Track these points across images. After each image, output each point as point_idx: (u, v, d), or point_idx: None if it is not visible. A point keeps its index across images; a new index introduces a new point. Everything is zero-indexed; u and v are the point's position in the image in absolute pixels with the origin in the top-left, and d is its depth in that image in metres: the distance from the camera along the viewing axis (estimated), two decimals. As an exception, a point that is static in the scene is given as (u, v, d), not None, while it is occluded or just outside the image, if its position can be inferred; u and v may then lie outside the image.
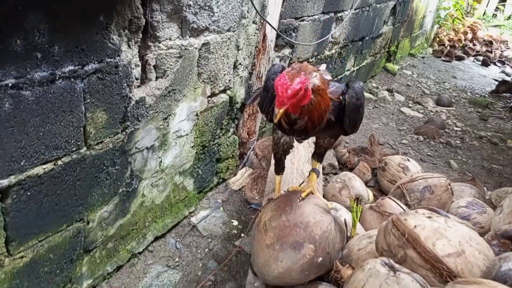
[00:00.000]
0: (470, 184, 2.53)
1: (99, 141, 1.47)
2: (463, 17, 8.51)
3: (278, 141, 1.60)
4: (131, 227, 1.82)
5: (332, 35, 3.21)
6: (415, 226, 1.14)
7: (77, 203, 1.46)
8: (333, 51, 3.44)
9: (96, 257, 1.66)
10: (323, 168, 2.87)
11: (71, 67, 1.25)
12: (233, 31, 2.04)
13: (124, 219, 1.75)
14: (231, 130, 2.42)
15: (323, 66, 1.72)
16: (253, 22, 2.19)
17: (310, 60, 3.07)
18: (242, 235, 2.15)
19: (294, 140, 1.61)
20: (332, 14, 3.11)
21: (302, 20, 2.70)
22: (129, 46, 1.47)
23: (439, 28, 8.15)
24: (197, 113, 2.00)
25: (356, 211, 1.60)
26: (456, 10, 8.09)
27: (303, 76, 1.19)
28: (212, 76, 2.01)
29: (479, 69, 7.06)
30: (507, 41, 9.09)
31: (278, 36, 2.48)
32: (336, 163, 2.95)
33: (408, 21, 5.72)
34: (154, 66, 1.64)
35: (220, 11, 1.88)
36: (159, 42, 1.62)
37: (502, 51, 8.40)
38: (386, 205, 1.79)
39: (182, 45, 1.73)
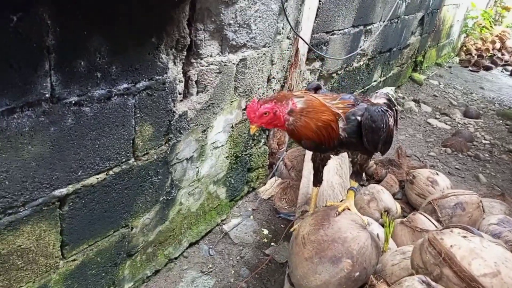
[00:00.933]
0: (500, 199, 2.53)
1: (145, 153, 1.56)
2: (491, 26, 8.38)
3: (314, 157, 1.66)
4: (168, 233, 1.91)
5: (361, 47, 3.25)
6: (451, 246, 1.18)
7: (123, 210, 1.55)
8: (361, 62, 3.48)
9: (137, 261, 1.76)
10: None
11: (125, 85, 1.34)
12: (268, 47, 2.12)
13: (163, 225, 1.84)
14: (262, 140, 2.49)
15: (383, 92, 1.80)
16: (287, 38, 2.26)
17: (339, 73, 3.12)
18: (272, 244, 2.21)
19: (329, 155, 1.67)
20: (362, 27, 3.15)
21: (333, 34, 2.76)
22: (174, 63, 1.56)
23: (466, 37, 8.05)
24: (232, 125, 2.08)
25: (389, 226, 1.64)
26: (484, 19, 7.97)
27: (271, 104, 1.39)
28: (248, 89, 2.09)
29: (507, 79, 6.94)
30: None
31: (309, 50, 2.54)
32: (364, 175, 2.98)
33: (435, 31, 5.69)
34: (196, 82, 1.72)
35: (257, 28, 1.96)
36: (201, 59, 1.70)
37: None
38: (418, 220, 1.82)
39: (222, 61, 1.82)
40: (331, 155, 1.67)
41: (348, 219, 1.34)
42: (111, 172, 1.43)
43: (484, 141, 4.02)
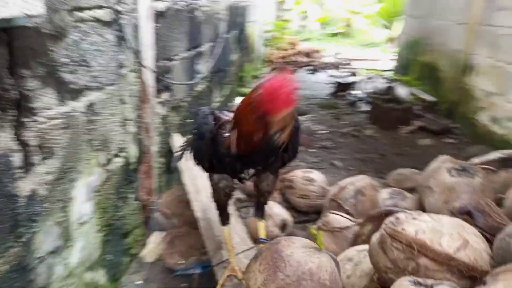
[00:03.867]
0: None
1: (-11, 269, 1.03)
2: (284, 36, 9.54)
3: (217, 186, 1.43)
4: None
5: (199, 70, 3.13)
6: (416, 233, 1.11)
7: None
8: (203, 85, 3.36)
9: None
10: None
11: None
12: (115, 84, 1.76)
13: None
14: (130, 195, 2.08)
15: None
16: (132, 71, 1.93)
17: (187, 99, 2.92)
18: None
19: (233, 182, 1.46)
20: (195, 50, 3.03)
21: (174, 60, 2.54)
22: (1, 127, 1.09)
23: (268, 49, 8.96)
24: (97, 189, 1.63)
25: (320, 238, 1.52)
26: (278, 31, 9.03)
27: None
28: (104, 140, 1.68)
29: (311, 77, 7.97)
30: (320, 50, 10.62)
31: (157, 80, 2.26)
32: (242, 195, 2.84)
33: (247, 47, 6.09)
34: (39, 146, 1.26)
35: (97, 64, 1.59)
36: (37, 115, 1.25)
37: (321, 59, 9.72)
38: (333, 220, 1.77)
39: (65, 112, 1.39)
40: (234, 186, 1.47)
41: (299, 246, 1.14)
42: None
43: (322, 132, 4.42)
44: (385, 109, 4.61)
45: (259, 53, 7.85)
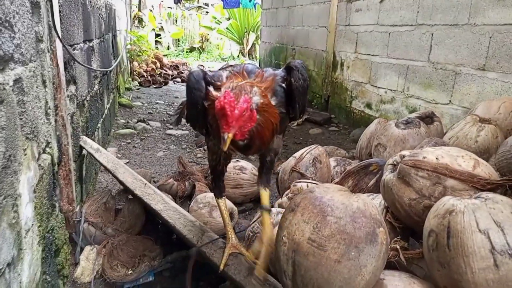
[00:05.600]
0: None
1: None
2: (148, 50, 9.21)
3: (216, 148, 1.28)
4: None
5: (92, 66, 2.77)
6: (437, 158, 1.17)
7: None
8: (97, 86, 2.98)
9: None
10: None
11: None
12: (35, 61, 1.41)
13: None
14: (56, 204, 1.70)
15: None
16: (47, 50, 1.59)
17: (87, 99, 2.54)
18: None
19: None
20: (88, 43, 2.67)
21: (75, 49, 2.19)
22: None
23: (131, 62, 8.52)
24: (34, 189, 1.28)
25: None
26: (140, 44, 8.67)
27: (246, 95, 1.05)
28: (33, 129, 1.33)
29: (181, 87, 7.89)
30: (186, 63, 10.63)
31: (65, 68, 1.91)
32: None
33: (118, 56, 5.66)
34: (-25, 122, 0.92)
35: (19, 30, 1.26)
36: (-32, 80, 0.92)
37: (188, 70, 9.72)
38: (304, 187, 1.74)
39: (-1, 82, 1.05)
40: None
41: (335, 190, 1.07)
42: None
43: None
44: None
45: (126, 66, 7.41)
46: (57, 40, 1.69)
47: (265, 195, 1.38)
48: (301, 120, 4.75)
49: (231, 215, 2.21)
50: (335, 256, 0.94)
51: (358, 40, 4.58)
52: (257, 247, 1.29)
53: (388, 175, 1.29)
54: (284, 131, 1.39)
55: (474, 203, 0.96)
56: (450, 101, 3.19)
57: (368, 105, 4.43)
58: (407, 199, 1.21)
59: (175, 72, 9.16)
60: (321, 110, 5.32)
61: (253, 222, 1.66)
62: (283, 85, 1.21)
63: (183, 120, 1.87)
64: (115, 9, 5.05)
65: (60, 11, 1.82)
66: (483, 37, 2.83)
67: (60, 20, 1.82)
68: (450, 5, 3.13)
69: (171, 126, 4.57)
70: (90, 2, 2.80)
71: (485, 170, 1.17)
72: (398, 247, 1.10)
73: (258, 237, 1.36)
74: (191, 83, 1.21)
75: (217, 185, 1.42)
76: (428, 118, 2.10)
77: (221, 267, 1.27)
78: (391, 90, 4.00)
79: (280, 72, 1.25)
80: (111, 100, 4.05)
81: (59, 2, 1.81)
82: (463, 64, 3.03)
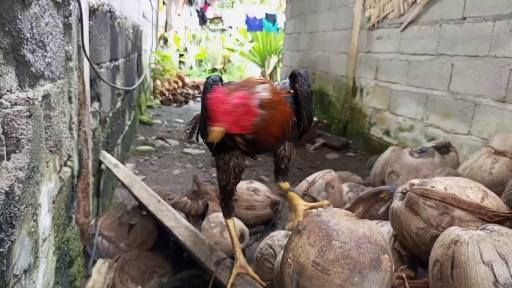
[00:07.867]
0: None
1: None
2: (171, 70, 9.47)
3: (227, 166, 1.31)
4: None
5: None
6: (445, 188, 1.17)
7: None
8: (119, 103, 3.09)
9: None
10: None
11: None
12: (63, 78, 1.50)
13: None
14: (74, 216, 1.75)
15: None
16: (75, 68, 1.68)
17: (110, 115, 2.64)
18: None
19: (245, 159, 1.37)
20: (114, 62, 2.79)
21: (101, 67, 2.29)
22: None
23: (154, 81, 8.76)
24: (54, 200, 1.33)
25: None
26: (164, 64, 8.92)
27: (244, 92, 1.06)
28: (57, 142, 1.40)
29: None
30: (206, 83, 10.88)
31: (91, 85, 2.00)
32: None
33: (142, 75, 5.85)
34: (4, 134, 0.98)
35: (51, 49, 1.34)
36: (1, 97, 0.99)
37: (209, 91, 9.91)
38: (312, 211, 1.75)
39: (29, 98, 1.13)
40: (245, 165, 1.37)
41: (342, 215, 1.08)
42: None
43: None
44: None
45: (149, 84, 7.62)
46: (85, 59, 1.78)
47: (285, 184, 1.43)
48: (318, 144, 4.76)
49: (241, 236, 2.23)
50: (339, 280, 0.94)
51: (378, 67, 4.61)
52: (293, 218, 1.32)
53: (396, 203, 1.30)
54: (295, 140, 1.41)
55: (479, 234, 0.96)
56: (469, 131, 3.16)
57: (387, 132, 4.41)
58: (415, 228, 1.21)
59: (196, 92, 9.35)
60: (339, 135, 5.32)
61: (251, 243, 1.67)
62: (291, 91, 1.26)
63: (198, 138, 1.91)
64: (142, 30, 5.25)
65: (89, 32, 1.93)
66: (504, 69, 2.81)
67: (89, 40, 1.92)
68: (471, 36, 3.14)
69: (188, 145, 4.65)
70: (119, 24, 2.94)
71: (494, 202, 1.17)
72: (404, 275, 1.10)
73: (292, 209, 1.38)
74: (206, 87, 1.25)
75: (226, 205, 1.44)
76: (445, 148, 2.09)
77: (228, 286, 1.28)
78: (410, 118, 3.99)
79: (286, 80, 1.30)
80: (132, 117, 4.16)
81: (89, 24, 1.92)
82: (482, 95, 3.01)
